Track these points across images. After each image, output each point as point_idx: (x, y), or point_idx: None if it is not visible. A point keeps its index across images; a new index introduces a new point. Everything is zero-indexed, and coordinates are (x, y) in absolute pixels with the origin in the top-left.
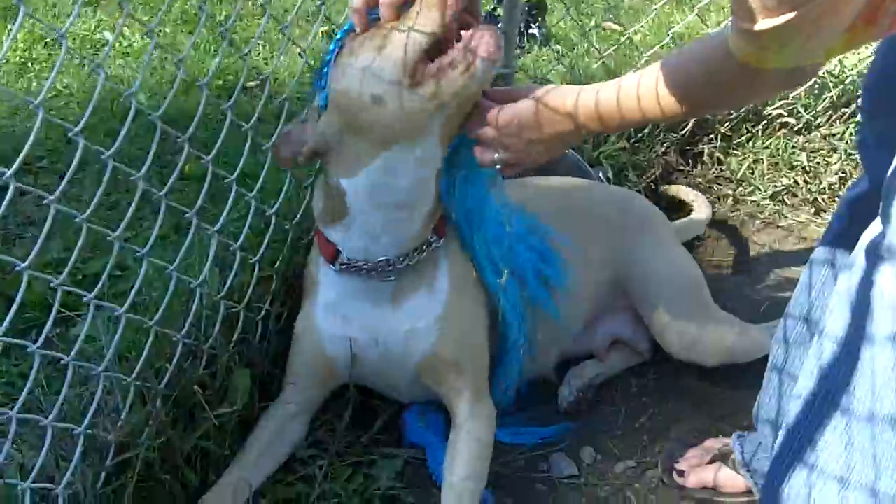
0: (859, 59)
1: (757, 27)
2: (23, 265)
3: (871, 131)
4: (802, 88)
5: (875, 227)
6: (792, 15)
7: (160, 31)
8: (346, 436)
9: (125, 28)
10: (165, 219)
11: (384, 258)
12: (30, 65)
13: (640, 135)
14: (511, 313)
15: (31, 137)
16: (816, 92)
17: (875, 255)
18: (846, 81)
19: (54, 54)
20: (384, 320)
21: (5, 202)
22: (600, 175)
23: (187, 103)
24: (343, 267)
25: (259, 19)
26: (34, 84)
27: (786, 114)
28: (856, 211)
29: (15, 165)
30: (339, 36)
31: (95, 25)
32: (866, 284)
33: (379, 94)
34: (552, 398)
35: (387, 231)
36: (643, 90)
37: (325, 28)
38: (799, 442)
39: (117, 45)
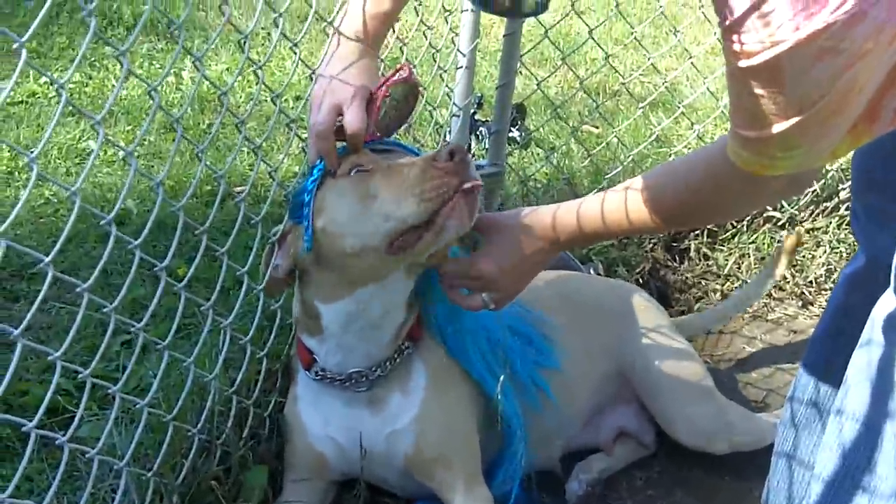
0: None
1: (761, 134)
2: (56, 354)
3: (860, 205)
4: None
5: (889, 302)
6: (798, 119)
7: (145, 140)
8: None
9: (109, 137)
10: (168, 321)
11: (357, 370)
12: (16, 174)
13: None
14: (507, 406)
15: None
16: None
17: (893, 329)
18: (828, 176)
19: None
20: (363, 425)
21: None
22: (591, 270)
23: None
24: (318, 377)
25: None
26: (21, 193)
27: (770, 208)
28: (853, 284)
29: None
30: (317, 168)
31: (79, 135)
32: (886, 360)
33: (356, 249)
34: (558, 491)
35: (360, 346)
36: (632, 204)
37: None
38: None
39: (102, 153)
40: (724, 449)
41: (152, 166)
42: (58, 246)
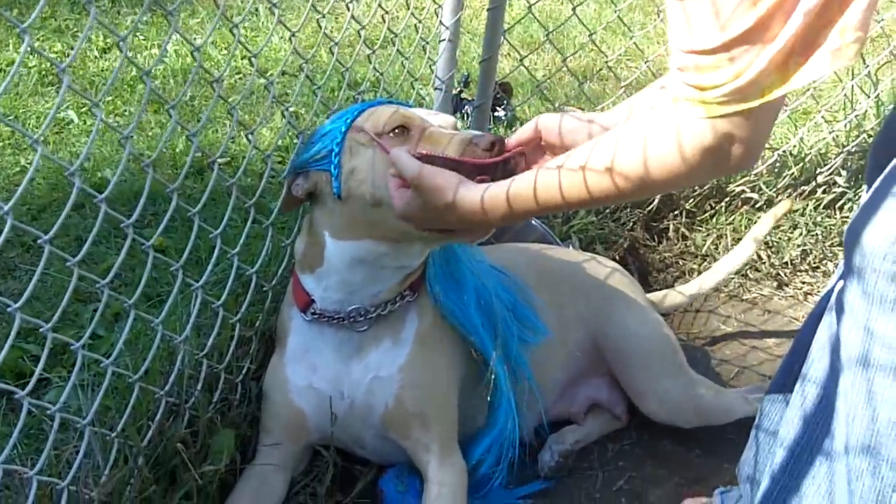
0: (819, 139)
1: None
2: (15, 306)
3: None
4: (764, 165)
5: (841, 281)
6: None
7: (125, 110)
8: (327, 500)
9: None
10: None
11: (356, 307)
12: None
13: (606, 210)
14: (500, 373)
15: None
16: (777, 169)
17: (840, 309)
18: (806, 160)
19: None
20: (349, 371)
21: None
22: (570, 247)
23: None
24: (315, 316)
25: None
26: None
27: (748, 190)
28: None
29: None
30: (352, 111)
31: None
32: (835, 337)
33: (376, 200)
34: (531, 461)
35: (364, 286)
36: (567, 179)
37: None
38: (780, 492)
39: (82, 123)
40: (692, 422)
41: (131, 136)
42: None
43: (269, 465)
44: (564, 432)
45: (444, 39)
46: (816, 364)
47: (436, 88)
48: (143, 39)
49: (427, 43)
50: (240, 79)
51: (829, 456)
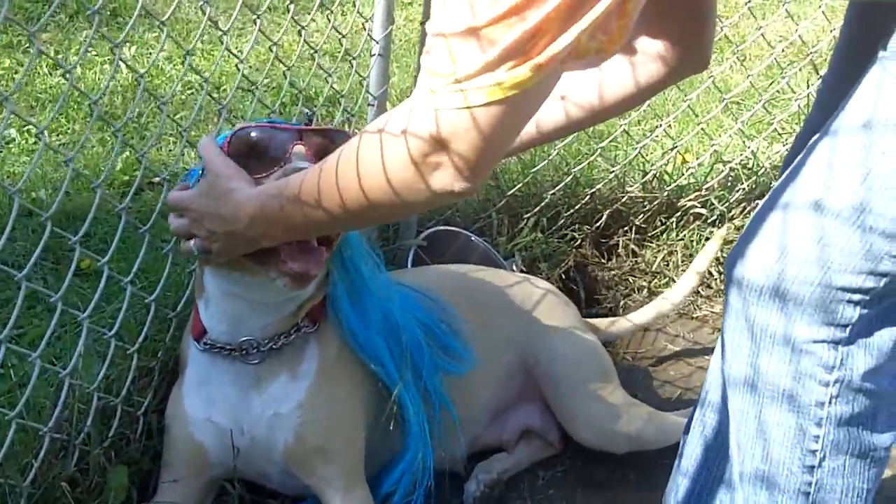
0: (774, 152)
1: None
2: None
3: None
4: (715, 179)
5: None
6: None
7: (69, 128)
8: None
9: (32, 125)
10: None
11: (248, 338)
12: None
13: (552, 227)
14: (407, 403)
15: None
16: (730, 184)
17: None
18: (759, 174)
19: None
20: (249, 406)
21: None
22: (513, 266)
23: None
24: (207, 347)
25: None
26: None
27: (699, 205)
28: None
29: None
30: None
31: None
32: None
33: None
34: (456, 493)
35: (248, 318)
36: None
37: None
38: None
39: (23, 142)
40: (624, 448)
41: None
42: None
43: (169, 503)
44: (492, 461)
45: (375, 54)
46: (712, 392)
47: (369, 104)
48: (96, 55)
49: (354, 58)
50: (191, 94)
51: (730, 485)
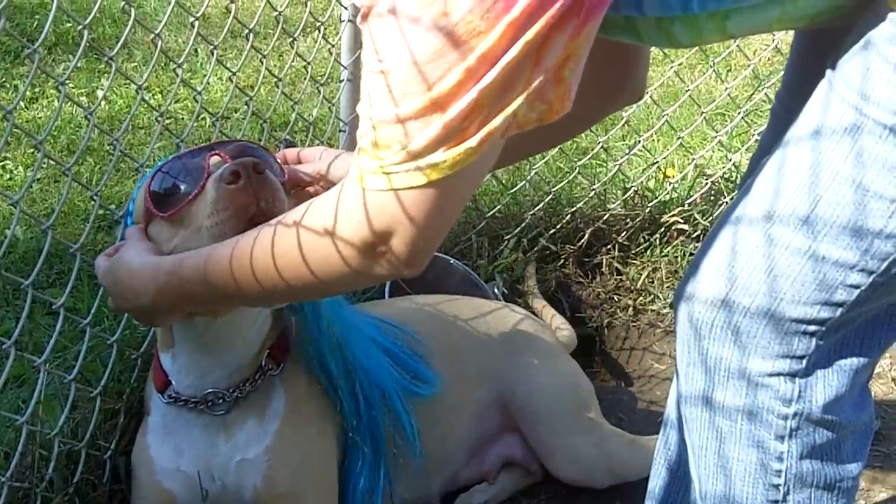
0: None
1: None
2: None
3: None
4: (698, 193)
5: None
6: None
7: (45, 163)
8: None
9: (7, 160)
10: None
11: (214, 390)
12: None
13: (534, 247)
14: (365, 436)
15: None
16: (713, 198)
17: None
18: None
19: None
20: (217, 453)
21: None
22: (495, 290)
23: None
24: (171, 400)
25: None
26: None
27: (682, 221)
28: None
29: None
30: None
31: None
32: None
33: None
34: None
35: (214, 368)
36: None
37: None
38: None
39: None
40: (606, 482)
41: (49, 191)
42: None
43: None
44: (472, 493)
45: (344, 79)
46: (673, 415)
47: (340, 131)
48: (73, 87)
49: (321, 85)
50: (170, 123)
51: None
